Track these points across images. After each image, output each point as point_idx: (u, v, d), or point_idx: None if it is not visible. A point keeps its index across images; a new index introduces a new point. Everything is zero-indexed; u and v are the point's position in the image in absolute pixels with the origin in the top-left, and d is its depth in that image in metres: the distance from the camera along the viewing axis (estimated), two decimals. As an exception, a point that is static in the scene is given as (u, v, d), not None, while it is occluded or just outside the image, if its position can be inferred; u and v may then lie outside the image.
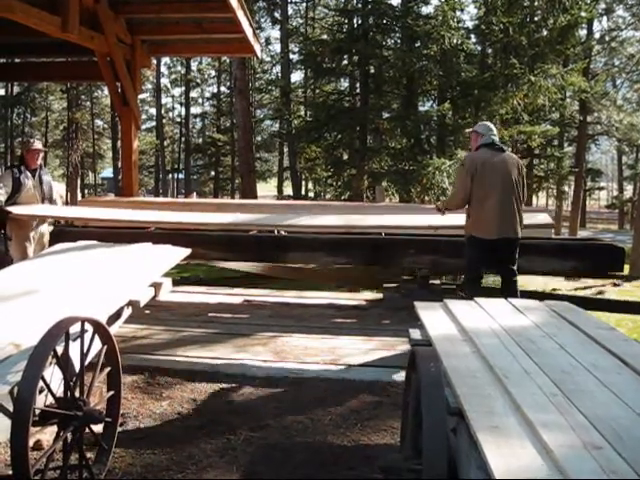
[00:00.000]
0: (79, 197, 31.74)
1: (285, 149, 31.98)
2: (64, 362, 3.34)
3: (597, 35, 29.06)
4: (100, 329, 3.66)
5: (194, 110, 39.07)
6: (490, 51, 17.36)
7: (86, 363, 3.49)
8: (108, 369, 3.75)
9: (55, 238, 7.47)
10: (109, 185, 44.78)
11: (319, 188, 32.57)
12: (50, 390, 3.18)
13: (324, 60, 16.21)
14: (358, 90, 18.53)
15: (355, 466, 3.76)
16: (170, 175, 41.47)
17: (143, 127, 35.71)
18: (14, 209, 7.03)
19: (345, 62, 17.17)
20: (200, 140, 37.25)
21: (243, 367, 5.37)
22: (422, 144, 15.87)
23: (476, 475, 2.26)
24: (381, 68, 16.23)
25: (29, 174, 7.20)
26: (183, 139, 37.44)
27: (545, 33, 16.77)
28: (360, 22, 16.06)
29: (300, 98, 29.00)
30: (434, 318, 3.93)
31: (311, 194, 31.79)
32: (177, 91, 41.51)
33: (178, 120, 41.20)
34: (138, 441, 4.11)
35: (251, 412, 4.55)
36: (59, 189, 7.89)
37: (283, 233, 7.72)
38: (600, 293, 19.05)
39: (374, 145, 16.88)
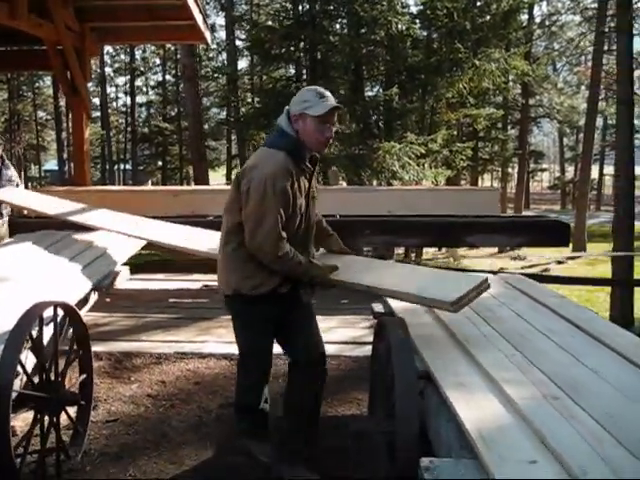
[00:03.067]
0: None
1: (233, 136, 31.87)
2: (38, 346, 3.41)
3: (538, 19, 29.66)
4: (71, 313, 3.73)
5: (139, 99, 38.61)
6: (435, 36, 17.60)
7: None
8: (80, 353, 3.83)
9: (10, 229, 7.41)
10: (53, 177, 43.88)
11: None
12: (27, 374, 3.25)
13: (272, 47, 16.25)
14: (305, 76, 18.62)
15: (325, 435, 3.92)
16: (116, 166, 40.92)
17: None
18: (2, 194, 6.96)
19: (292, 48, 17.20)
20: (146, 129, 36.81)
21: (208, 348, 5.48)
22: (371, 128, 16.07)
23: (446, 428, 2.44)
24: (328, 54, 16.34)
25: None
26: (129, 129, 36.96)
27: (488, 18, 17.12)
28: (307, 8, 16.13)
29: (247, 85, 28.91)
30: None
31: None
32: (121, 80, 40.94)
33: (123, 110, 40.65)
34: (111, 423, 4.20)
35: (220, 391, 4.67)
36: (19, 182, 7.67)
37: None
38: (545, 271, 19.66)
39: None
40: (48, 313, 3.50)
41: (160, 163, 35.66)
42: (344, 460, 3.60)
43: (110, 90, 40.40)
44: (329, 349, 5.32)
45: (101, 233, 5.74)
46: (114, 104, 42.04)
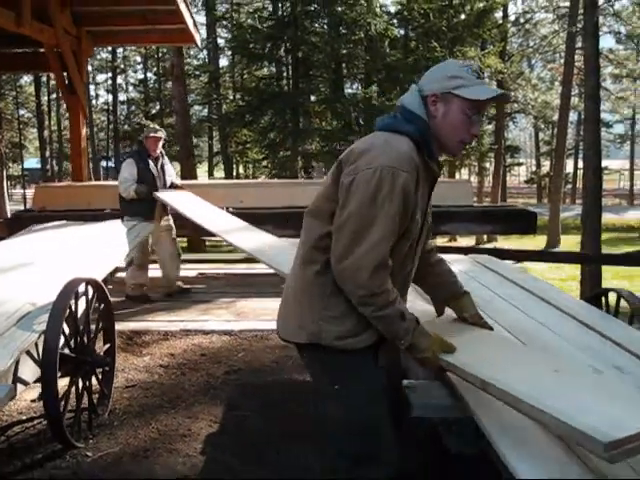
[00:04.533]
0: (5, 189, 31.20)
1: (214, 133, 32.35)
2: (74, 316, 3.97)
3: (512, 17, 30.38)
4: (99, 289, 4.29)
5: (120, 97, 38.91)
6: (412, 35, 18.26)
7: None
8: (106, 324, 4.39)
9: (15, 222, 7.92)
10: (33, 175, 44.00)
11: (249, 171, 33.24)
12: (66, 339, 3.80)
13: (255, 47, 16.83)
14: (286, 74, 19.22)
15: (319, 394, 4.53)
16: (99, 163, 41.22)
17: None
18: (162, 195, 6.77)
19: (275, 48, 17.77)
20: (126, 126, 37.12)
21: (210, 326, 6.06)
22: (351, 125, 16.68)
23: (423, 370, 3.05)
24: (310, 53, 16.93)
25: (151, 162, 6.89)
26: (111, 126, 37.31)
27: (463, 17, 17.80)
28: (290, 10, 16.71)
29: (228, 83, 29.38)
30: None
31: (242, 177, 32.28)
32: (100, 77, 41.21)
33: (104, 107, 40.93)
34: (130, 388, 4.77)
35: (224, 360, 5.26)
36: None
37: (231, 210, 8.41)
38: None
39: (306, 127, 17.63)
40: (81, 288, 4.06)
41: (142, 160, 35.99)
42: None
43: (90, 88, 40.66)
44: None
45: (112, 222, 6.30)
46: (94, 102, 42.31)
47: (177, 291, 7.38)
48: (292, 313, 2.33)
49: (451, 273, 2.67)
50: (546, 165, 48.26)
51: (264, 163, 19.57)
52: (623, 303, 4.20)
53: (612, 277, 13.05)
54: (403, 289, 2.36)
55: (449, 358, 2.28)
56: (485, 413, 2.27)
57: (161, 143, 7.01)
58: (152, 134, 6.91)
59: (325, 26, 16.93)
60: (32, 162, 45.38)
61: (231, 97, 27.80)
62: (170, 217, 7.15)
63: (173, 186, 7.16)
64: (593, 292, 5.93)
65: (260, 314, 6.41)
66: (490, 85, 2.16)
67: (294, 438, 3.84)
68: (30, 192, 32.66)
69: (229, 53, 28.08)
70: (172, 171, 7.27)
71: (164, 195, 6.77)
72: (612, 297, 4.44)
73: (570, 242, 22.84)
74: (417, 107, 2.22)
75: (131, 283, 7.06)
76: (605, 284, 11.89)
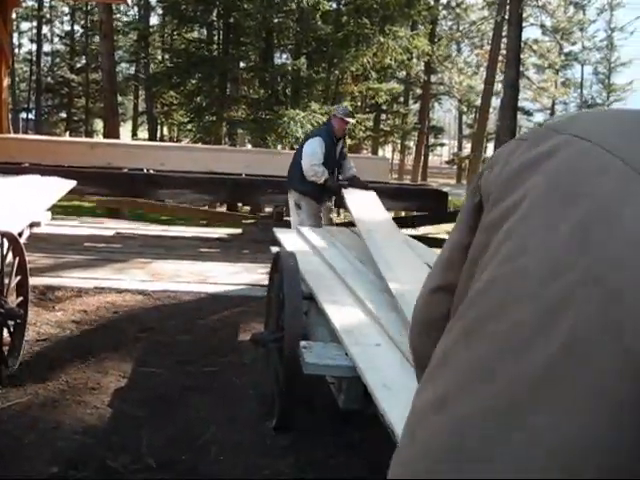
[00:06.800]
0: None
1: (140, 93, 31.75)
2: (-12, 267, 4.03)
3: (444, 0, 30.81)
4: (14, 242, 4.35)
5: (45, 48, 37.52)
6: (344, 9, 18.37)
7: None
8: (19, 277, 4.46)
9: None
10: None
11: (174, 133, 32.83)
12: (-22, 290, 3.88)
13: (187, 8, 16.64)
14: (216, 39, 19.08)
15: (227, 354, 4.74)
16: (19, 115, 39.72)
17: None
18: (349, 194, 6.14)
19: (206, 11, 17.59)
20: (49, 79, 35.89)
21: (124, 285, 6.16)
22: (278, 95, 16.75)
23: (321, 332, 3.29)
24: (242, 20, 16.85)
25: (334, 144, 6.33)
26: (34, 77, 36.02)
27: (395, -4, 18.00)
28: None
29: (157, 43, 28.83)
30: (289, 239, 4.95)
31: (166, 139, 31.89)
32: (24, 26, 39.56)
33: (27, 57, 39.41)
34: (41, 342, 4.86)
35: (136, 319, 5.39)
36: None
37: (152, 172, 8.46)
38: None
39: (233, 94, 17.60)
40: (-5, 241, 4.12)
41: (65, 115, 34.98)
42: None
43: (14, 36, 39.05)
44: (233, 290, 6.18)
45: (31, 176, 6.27)
46: (16, 51, 40.63)
47: None
48: None
49: None
50: (468, 147, 49.40)
51: (189, 127, 19.37)
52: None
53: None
54: None
55: None
56: (371, 373, 2.52)
57: (347, 127, 6.52)
58: (344, 117, 6.31)
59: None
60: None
61: (159, 57, 27.35)
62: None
63: (355, 180, 6.52)
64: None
65: (174, 276, 6.54)
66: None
67: (199, 392, 4.05)
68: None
69: (160, 12, 27.54)
70: (348, 157, 6.69)
71: (351, 195, 6.16)
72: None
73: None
74: None
75: None
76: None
